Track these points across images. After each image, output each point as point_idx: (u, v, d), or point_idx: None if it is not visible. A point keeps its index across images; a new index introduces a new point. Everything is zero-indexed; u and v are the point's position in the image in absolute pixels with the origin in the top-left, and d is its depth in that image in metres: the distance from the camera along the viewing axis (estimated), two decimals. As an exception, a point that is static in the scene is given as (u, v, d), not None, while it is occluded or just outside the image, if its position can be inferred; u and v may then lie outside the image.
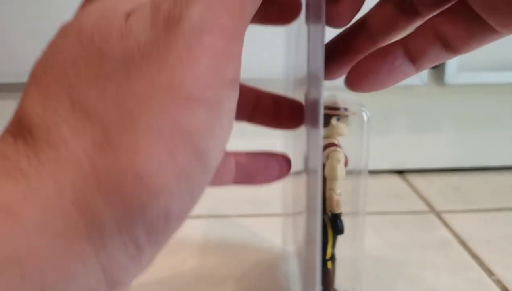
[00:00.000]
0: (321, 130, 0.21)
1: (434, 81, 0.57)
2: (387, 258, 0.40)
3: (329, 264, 0.31)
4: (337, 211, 0.28)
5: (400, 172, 0.61)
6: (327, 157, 0.28)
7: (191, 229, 0.45)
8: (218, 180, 0.24)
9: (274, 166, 0.25)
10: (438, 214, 0.49)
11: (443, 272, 0.38)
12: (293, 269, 0.36)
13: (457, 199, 0.54)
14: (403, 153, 0.60)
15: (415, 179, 0.59)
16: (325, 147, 0.28)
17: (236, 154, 0.25)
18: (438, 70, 0.56)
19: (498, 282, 0.37)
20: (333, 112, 0.28)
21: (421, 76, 0.55)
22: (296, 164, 0.27)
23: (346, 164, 0.29)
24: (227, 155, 0.24)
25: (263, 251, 0.41)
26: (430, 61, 0.22)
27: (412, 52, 0.22)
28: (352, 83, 0.23)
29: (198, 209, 0.20)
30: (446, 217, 0.49)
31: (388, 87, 0.23)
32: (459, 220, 0.48)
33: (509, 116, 0.60)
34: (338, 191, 0.28)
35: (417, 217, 0.49)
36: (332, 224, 0.29)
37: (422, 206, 0.52)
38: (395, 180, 0.59)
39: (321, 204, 0.25)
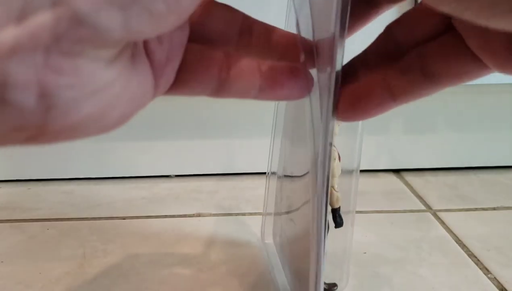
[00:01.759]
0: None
1: (431, 81, 0.57)
2: (384, 256, 0.41)
3: None
4: (336, 206, 0.30)
5: (397, 171, 0.61)
6: None
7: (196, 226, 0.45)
8: (239, 86, 0.23)
9: (300, 75, 0.24)
10: (434, 213, 0.50)
11: (440, 270, 0.39)
12: (275, 259, 0.38)
13: (453, 198, 0.54)
14: (400, 152, 0.61)
15: (412, 178, 0.59)
16: None
17: (262, 62, 0.23)
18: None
19: (495, 280, 0.38)
20: None
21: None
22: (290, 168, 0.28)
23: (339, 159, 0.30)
24: (249, 60, 0.23)
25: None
26: (413, 98, 0.22)
27: (395, 92, 0.22)
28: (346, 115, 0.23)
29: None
30: (443, 215, 0.49)
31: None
32: (455, 219, 0.48)
33: (505, 116, 0.60)
34: (336, 186, 0.29)
35: (414, 215, 0.49)
36: (332, 218, 0.30)
37: (418, 205, 0.52)
38: (392, 179, 0.59)
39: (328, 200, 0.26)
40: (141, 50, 0.20)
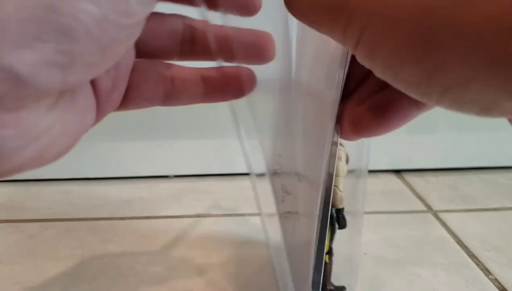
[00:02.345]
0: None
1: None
2: (384, 257, 0.40)
3: (326, 258, 0.31)
4: (340, 206, 0.29)
5: (398, 171, 0.61)
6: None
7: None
8: (185, 96, 0.25)
9: (244, 77, 0.25)
10: (435, 213, 0.50)
11: (440, 270, 0.39)
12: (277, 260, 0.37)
13: (454, 198, 0.54)
14: (401, 152, 0.60)
15: (413, 179, 0.59)
16: None
17: (203, 69, 0.25)
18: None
19: (495, 281, 0.37)
20: None
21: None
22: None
23: (347, 161, 0.29)
24: (191, 69, 0.25)
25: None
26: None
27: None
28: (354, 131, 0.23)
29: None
30: (443, 216, 0.49)
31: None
32: (456, 219, 0.48)
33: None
34: (341, 186, 0.29)
35: (414, 216, 0.49)
36: (336, 219, 0.30)
37: (419, 205, 0.52)
38: (393, 179, 0.59)
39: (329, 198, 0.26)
40: (84, 85, 0.21)
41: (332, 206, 0.30)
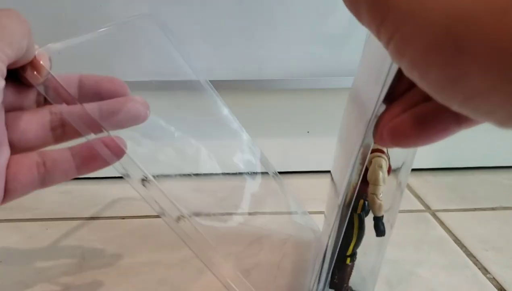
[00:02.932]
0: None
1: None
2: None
3: (348, 260, 0.32)
4: (378, 214, 0.30)
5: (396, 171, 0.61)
6: (370, 162, 0.29)
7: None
8: (59, 174, 0.27)
9: (110, 147, 0.28)
10: (433, 213, 0.50)
11: (439, 270, 0.39)
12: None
13: (452, 198, 0.54)
14: (399, 152, 0.61)
15: (411, 178, 0.59)
16: (372, 151, 0.29)
17: (72, 147, 0.28)
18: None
19: (493, 280, 0.38)
20: None
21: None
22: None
23: (389, 171, 0.29)
24: (60, 150, 0.27)
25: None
26: (477, 123, 0.21)
27: (460, 117, 0.21)
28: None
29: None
30: (442, 215, 0.49)
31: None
32: (454, 219, 0.48)
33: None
34: (380, 195, 0.29)
35: (413, 215, 0.49)
36: (374, 226, 0.30)
37: (417, 205, 0.52)
38: (391, 179, 0.59)
39: (352, 204, 0.26)
40: None
41: (372, 213, 0.30)
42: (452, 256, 0.41)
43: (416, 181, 0.58)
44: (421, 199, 0.53)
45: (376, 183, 0.29)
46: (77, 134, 0.28)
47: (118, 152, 0.28)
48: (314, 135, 0.57)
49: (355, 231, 0.31)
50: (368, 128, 0.23)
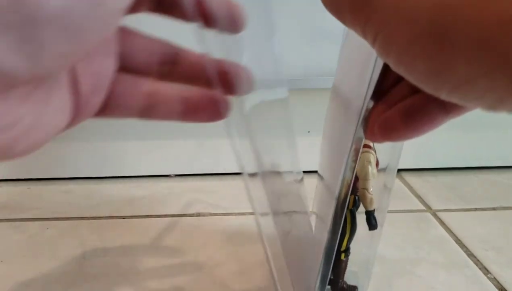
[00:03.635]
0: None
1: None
2: (383, 256, 0.41)
3: (342, 256, 0.32)
4: (370, 208, 0.30)
5: (397, 171, 0.61)
6: (359, 158, 0.29)
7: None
8: (162, 112, 0.26)
9: (219, 101, 0.26)
10: (434, 213, 0.50)
11: (439, 270, 0.39)
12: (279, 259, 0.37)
13: (452, 197, 0.54)
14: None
15: (411, 178, 0.59)
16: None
17: (184, 91, 0.26)
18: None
19: (494, 280, 0.38)
20: None
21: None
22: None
23: (377, 165, 0.30)
24: (172, 87, 0.26)
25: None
26: (466, 110, 0.22)
27: (447, 106, 0.22)
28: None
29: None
30: (442, 215, 0.49)
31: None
32: (454, 219, 0.48)
33: (504, 117, 0.60)
34: (371, 189, 0.30)
35: (413, 215, 0.49)
36: (366, 220, 0.31)
37: (418, 205, 0.52)
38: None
39: (347, 201, 0.27)
40: (62, 83, 0.21)
41: (364, 207, 0.31)
42: (452, 256, 0.41)
43: (416, 181, 0.58)
44: (422, 199, 0.53)
45: (366, 178, 0.30)
46: (186, 80, 0.26)
47: (227, 109, 0.26)
48: (315, 135, 0.57)
49: (348, 226, 0.31)
50: (358, 126, 0.24)
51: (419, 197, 0.54)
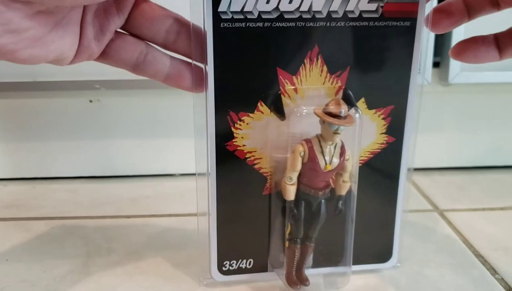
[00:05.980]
0: None
1: (438, 81, 0.57)
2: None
3: (286, 244, 0.34)
4: (285, 198, 0.32)
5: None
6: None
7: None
8: (151, 70, 0.31)
9: (200, 74, 0.31)
10: (441, 212, 0.49)
11: (446, 270, 0.38)
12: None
13: (460, 197, 0.54)
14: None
15: (419, 178, 0.59)
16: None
17: (171, 57, 0.31)
18: (442, 70, 0.56)
19: (502, 281, 0.37)
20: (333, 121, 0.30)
21: (425, 76, 0.55)
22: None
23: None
24: (163, 54, 0.31)
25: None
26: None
27: (500, 44, 0.32)
28: (454, 54, 0.33)
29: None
30: (450, 215, 0.49)
31: (477, 63, 0.33)
32: (462, 219, 0.48)
33: (512, 115, 0.60)
34: (288, 179, 0.32)
35: (421, 215, 0.49)
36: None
37: (425, 204, 0.52)
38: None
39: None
40: (71, 22, 0.27)
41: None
42: (460, 256, 0.41)
43: (424, 180, 0.58)
44: (429, 199, 0.53)
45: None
46: (183, 52, 0.31)
47: (201, 84, 0.31)
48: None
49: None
50: None
51: (426, 197, 0.54)
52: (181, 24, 0.30)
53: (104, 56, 0.30)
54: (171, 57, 0.31)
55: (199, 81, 0.31)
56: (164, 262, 0.39)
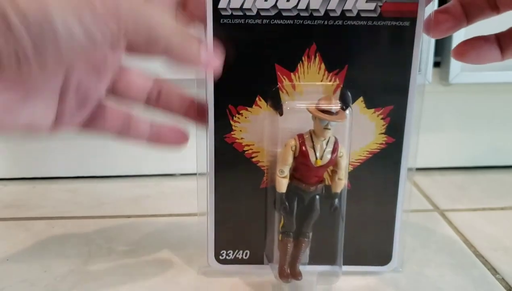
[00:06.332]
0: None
1: (438, 81, 0.57)
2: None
3: (280, 237, 0.34)
4: (277, 190, 0.33)
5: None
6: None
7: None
8: (134, 135, 0.33)
9: (179, 132, 0.34)
10: (441, 212, 0.49)
11: (447, 270, 0.38)
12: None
13: (461, 197, 0.53)
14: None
15: (419, 178, 0.59)
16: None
17: (152, 122, 0.33)
18: (442, 70, 0.56)
19: (502, 281, 0.37)
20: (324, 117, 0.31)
21: (426, 76, 0.55)
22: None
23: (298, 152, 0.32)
24: (143, 121, 0.33)
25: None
26: None
27: (502, 44, 0.31)
28: (456, 55, 0.32)
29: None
30: (450, 215, 0.49)
31: (479, 64, 0.32)
32: (463, 218, 0.48)
33: (513, 115, 0.60)
34: (280, 172, 0.32)
35: (421, 215, 0.49)
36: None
37: (425, 204, 0.52)
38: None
39: None
40: (50, 91, 0.26)
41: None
42: (460, 256, 0.41)
43: (424, 180, 0.58)
44: (429, 199, 0.53)
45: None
46: (164, 112, 0.33)
47: (186, 139, 0.35)
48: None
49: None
50: None
51: (427, 197, 0.54)
52: (160, 84, 0.33)
53: (89, 125, 0.31)
54: (150, 122, 0.33)
55: (182, 138, 0.34)
56: (164, 262, 0.39)
